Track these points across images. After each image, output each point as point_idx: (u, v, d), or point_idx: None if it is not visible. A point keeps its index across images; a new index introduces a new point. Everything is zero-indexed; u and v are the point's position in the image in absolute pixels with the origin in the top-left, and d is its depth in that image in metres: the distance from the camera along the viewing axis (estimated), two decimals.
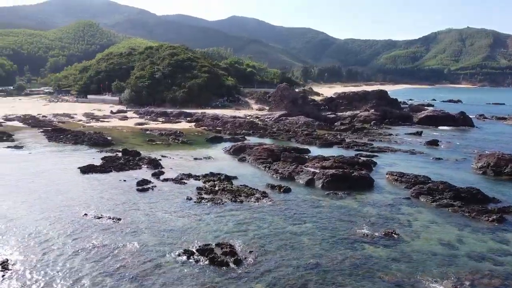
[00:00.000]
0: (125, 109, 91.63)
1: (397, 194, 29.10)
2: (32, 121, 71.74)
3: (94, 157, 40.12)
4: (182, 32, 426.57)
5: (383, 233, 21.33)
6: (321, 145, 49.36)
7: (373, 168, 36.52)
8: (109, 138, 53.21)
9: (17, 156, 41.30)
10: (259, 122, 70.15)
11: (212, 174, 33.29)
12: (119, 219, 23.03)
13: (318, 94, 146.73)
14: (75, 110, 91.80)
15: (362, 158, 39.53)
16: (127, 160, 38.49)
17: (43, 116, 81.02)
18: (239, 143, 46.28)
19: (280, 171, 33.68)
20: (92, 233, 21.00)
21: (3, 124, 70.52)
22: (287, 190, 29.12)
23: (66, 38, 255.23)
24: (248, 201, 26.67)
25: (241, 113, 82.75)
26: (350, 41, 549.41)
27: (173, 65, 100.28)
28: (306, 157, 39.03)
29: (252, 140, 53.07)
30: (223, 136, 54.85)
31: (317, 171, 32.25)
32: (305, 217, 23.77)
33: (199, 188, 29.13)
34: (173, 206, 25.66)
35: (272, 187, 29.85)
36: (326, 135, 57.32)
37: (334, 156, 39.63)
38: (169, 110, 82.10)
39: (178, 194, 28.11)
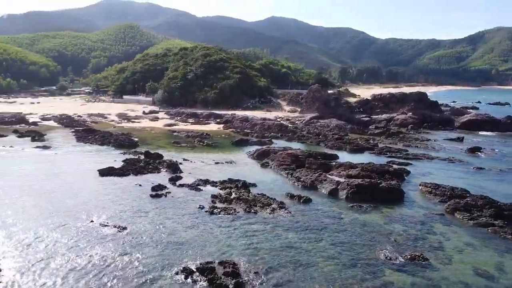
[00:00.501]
0: (157, 109, 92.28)
1: (429, 209, 26.28)
2: (66, 121, 73.32)
3: (117, 159, 39.64)
4: (220, 33, 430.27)
5: (409, 256, 18.85)
6: (351, 150, 46.63)
7: (405, 178, 33.62)
8: (135, 139, 53.06)
9: (43, 156, 41.66)
10: (289, 125, 68.04)
11: (230, 180, 31.77)
12: (125, 228, 21.94)
13: (354, 95, 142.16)
14: (110, 110, 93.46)
15: (393, 166, 36.65)
16: (147, 163, 37.76)
17: (78, 116, 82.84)
18: (264, 147, 44.51)
19: (302, 179, 31.59)
20: (92, 242, 19.98)
21: (39, 123, 72.60)
22: (307, 201, 27.03)
23: (108, 40, 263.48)
24: (263, 212, 24.85)
25: (271, 115, 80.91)
26: (392, 40, 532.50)
27: (206, 66, 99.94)
28: (333, 163, 36.68)
29: (279, 143, 51.17)
30: (250, 139, 53.25)
31: (342, 180, 29.91)
32: (322, 233, 21.66)
33: (213, 196, 27.65)
34: (184, 215, 24.30)
35: (292, 196, 27.85)
36: (358, 139, 54.42)
37: (363, 163, 37.07)
38: (199, 111, 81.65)
39: (191, 202, 26.75)
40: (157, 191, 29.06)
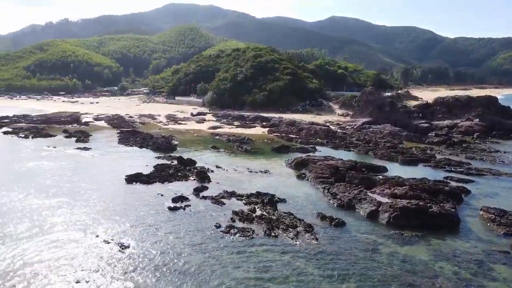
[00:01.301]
0: (207, 111, 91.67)
1: (491, 243, 21.42)
2: (116, 122, 74.56)
3: (149, 163, 38.34)
4: (279, 34, 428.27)
5: None
6: (403, 162, 41.55)
7: (464, 199, 28.50)
8: (175, 142, 51.90)
9: (79, 158, 41.52)
10: (339, 130, 63.60)
11: (258, 194, 28.79)
12: (127, 247, 19.86)
13: (416, 98, 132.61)
14: (161, 111, 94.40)
15: (450, 184, 31.53)
16: (177, 169, 35.94)
17: (129, 117, 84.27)
18: (303, 155, 40.95)
19: (338, 196, 27.79)
20: (85, 263, 18.09)
21: (90, 123, 74.60)
22: (340, 225, 23.30)
23: (169, 42, 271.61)
24: (286, 236, 21.59)
25: (321, 119, 76.61)
26: (461, 39, 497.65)
27: (256, 67, 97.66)
28: (379, 178, 32.38)
29: (323, 151, 47.30)
30: (292, 146, 49.88)
31: (384, 200, 25.73)
32: (350, 271, 17.97)
33: (234, 212, 24.83)
34: (196, 234, 21.75)
35: (323, 217, 24.25)
36: (413, 148, 48.92)
37: (414, 178, 32.39)
38: (246, 114, 79.52)
39: (209, 218, 24.17)
40: (177, 202, 26.90)
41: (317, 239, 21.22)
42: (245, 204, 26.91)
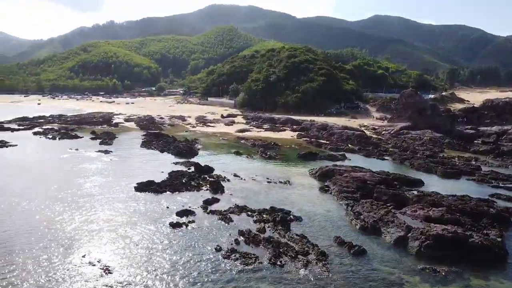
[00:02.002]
0: (238, 113, 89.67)
1: None
2: (145, 123, 74.18)
3: (165, 169, 36.39)
4: (319, 34, 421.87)
5: None
6: (443, 174, 37.05)
7: None
8: (198, 147, 50.12)
9: (96, 162, 40.33)
10: (374, 135, 59.35)
11: (272, 209, 25.85)
12: (111, 272, 17.57)
13: (462, 100, 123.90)
14: (192, 112, 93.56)
15: (497, 204, 27.10)
16: (191, 178, 33.72)
17: (160, 118, 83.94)
18: (330, 165, 37.50)
19: (362, 216, 24.30)
20: None
21: (120, 124, 74.68)
22: (360, 253, 19.91)
23: (207, 43, 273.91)
24: (293, 265, 18.54)
25: (355, 122, 72.28)
26: None
27: (289, 68, 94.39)
28: (412, 194, 28.54)
29: (354, 159, 43.63)
30: (320, 152, 46.48)
31: (416, 224, 22.01)
32: None
33: (241, 232, 22.05)
34: (191, 259, 19.17)
35: (341, 243, 20.95)
36: (455, 158, 44.14)
37: (454, 196, 28.22)
38: (277, 116, 76.65)
39: (211, 239, 21.55)
40: (181, 217, 24.52)
41: (329, 272, 18.00)
42: (255, 222, 24.06)
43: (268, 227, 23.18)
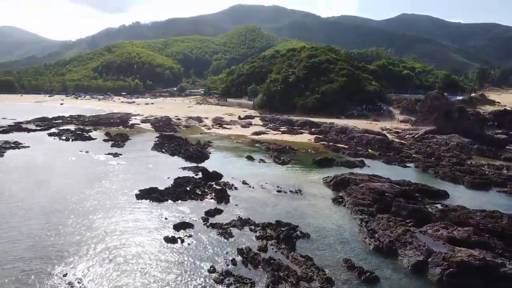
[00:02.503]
0: (257, 114, 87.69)
1: None
2: (160, 124, 73.19)
3: (171, 175, 34.68)
4: (344, 33, 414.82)
5: None
6: (471, 185, 33.86)
7: None
8: (210, 150, 48.28)
9: (104, 165, 39.13)
10: (396, 140, 56.11)
11: (277, 223, 23.66)
12: None
13: (493, 102, 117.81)
14: (210, 113, 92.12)
15: None
16: (196, 185, 31.90)
17: (177, 119, 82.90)
18: (345, 173, 34.87)
19: (377, 235, 21.77)
20: None
21: (136, 125, 73.90)
22: (372, 280, 17.45)
23: (230, 43, 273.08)
24: None
25: (377, 125, 68.97)
26: None
27: (309, 68, 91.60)
28: (435, 209, 25.77)
29: (373, 166, 40.85)
30: (337, 158, 43.86)
31: (437, 247, 19.35)
32: None
33: (240, 251, 19.97)
34: (180, 282, 17.22)
35: (350, 267, 18.55)
36: (485, 166, 40.68)
37: (484, 211, 25.24)
38: (295, 118, 74.19)
39: (206, 257, 19.57)
40: (178, 231, 22.66)
41: None
42: (257, 238, 21.91)
43: (271, 244, 21.02)
